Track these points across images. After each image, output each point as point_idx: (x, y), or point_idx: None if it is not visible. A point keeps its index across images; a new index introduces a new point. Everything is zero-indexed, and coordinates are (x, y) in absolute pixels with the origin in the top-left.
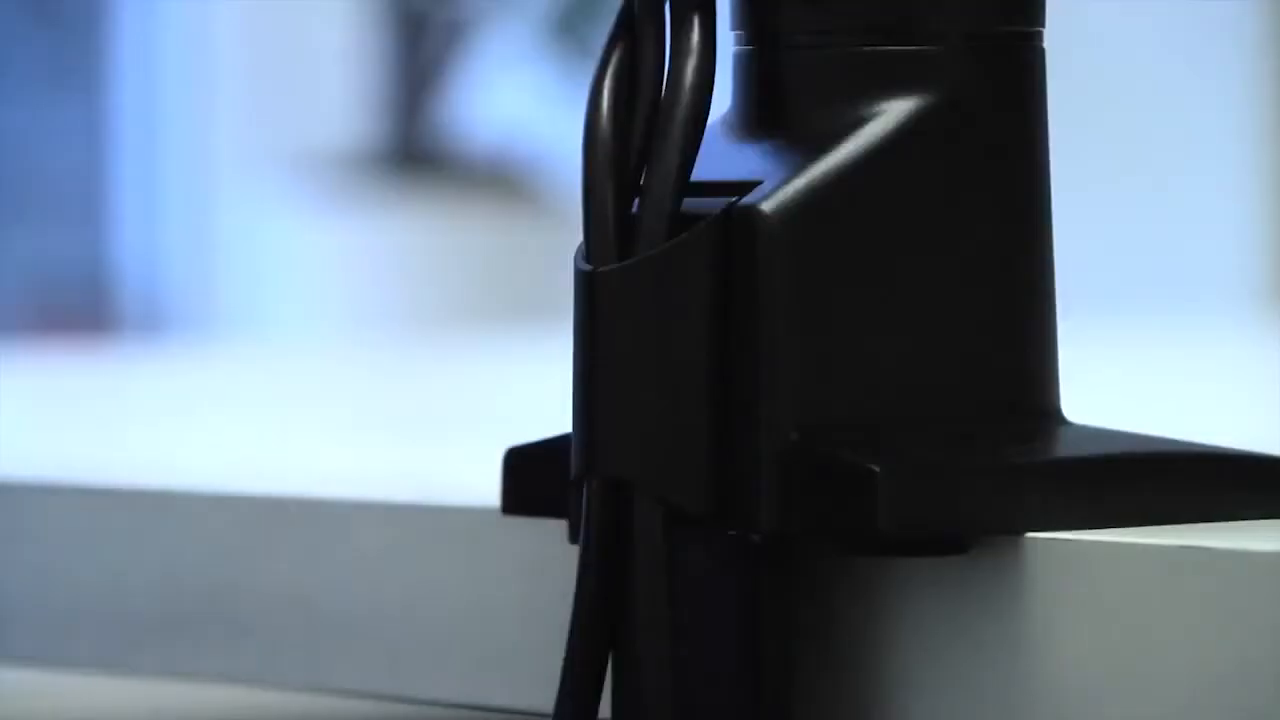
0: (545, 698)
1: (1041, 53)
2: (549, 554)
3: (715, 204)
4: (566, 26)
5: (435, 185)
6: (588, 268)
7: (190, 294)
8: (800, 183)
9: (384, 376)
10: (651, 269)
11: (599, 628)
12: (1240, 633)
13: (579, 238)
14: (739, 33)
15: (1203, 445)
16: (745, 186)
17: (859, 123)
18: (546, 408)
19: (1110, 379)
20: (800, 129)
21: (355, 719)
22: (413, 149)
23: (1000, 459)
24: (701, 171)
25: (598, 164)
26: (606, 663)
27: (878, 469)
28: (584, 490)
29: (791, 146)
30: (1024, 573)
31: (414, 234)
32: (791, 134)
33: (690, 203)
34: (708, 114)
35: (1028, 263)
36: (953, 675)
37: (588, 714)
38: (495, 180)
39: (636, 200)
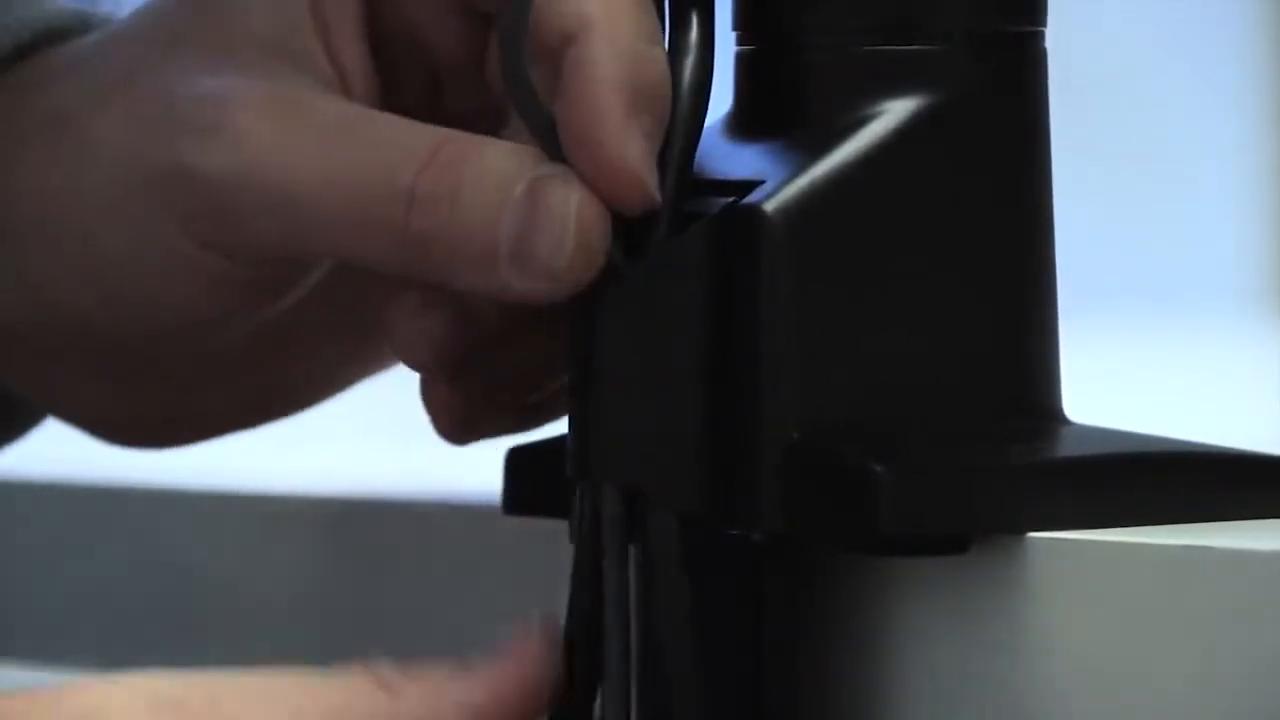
0: None
1: (1043, 52)
2: (549, 554)
3: (716, 203)
4: None
5: None
6: None
7: None
8: (802, 182)
9: (384, 375)
10: (652, 268)
11: (595, 626)
12: (1240, 633)
13: None
14: (740, 32)
15: (1203, 445)
16: (746, 186)
17: (860, 122)
18: None
19: (1111, 378)
20: (801, 128)
21: None
22: None
23: (1002, 459)
24: (702, 171)
25: None
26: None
27: (879, 469)
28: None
29: (793, 146)
30: (1024, 573)
31: None
32: (793, 133)
33: (691, 202)
34: (706, 112)
35: (1029, 262)
36: (953, 675)
37: (584, 713)
38: None
39: None
